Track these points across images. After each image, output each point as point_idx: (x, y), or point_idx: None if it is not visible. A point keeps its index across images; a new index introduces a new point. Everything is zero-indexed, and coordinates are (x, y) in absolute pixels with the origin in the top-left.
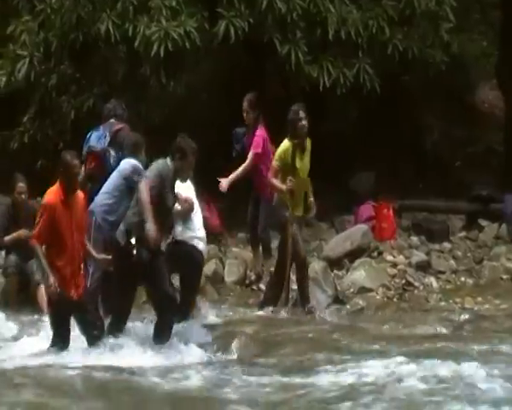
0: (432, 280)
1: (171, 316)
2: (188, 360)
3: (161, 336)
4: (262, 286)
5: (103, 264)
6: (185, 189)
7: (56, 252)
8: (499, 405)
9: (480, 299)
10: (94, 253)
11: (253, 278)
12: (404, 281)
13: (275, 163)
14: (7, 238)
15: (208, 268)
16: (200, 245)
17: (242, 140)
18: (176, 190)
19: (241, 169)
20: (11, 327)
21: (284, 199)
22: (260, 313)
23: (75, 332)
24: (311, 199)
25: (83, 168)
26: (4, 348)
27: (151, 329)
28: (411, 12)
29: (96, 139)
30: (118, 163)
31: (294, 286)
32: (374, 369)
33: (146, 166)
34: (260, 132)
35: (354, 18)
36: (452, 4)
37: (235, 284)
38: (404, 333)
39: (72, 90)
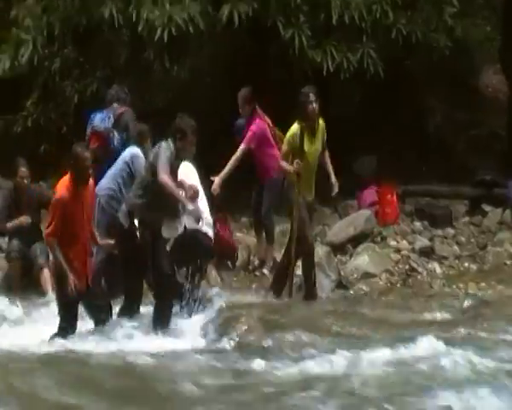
0: (435, 266)
1: (171, 298)
2: (187, 344)
3: (161, 319)
4: (265, 271)
5: (106, 248)
6: (189, 174)
7: (68, 244)
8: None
9: (483, 284)
10: (98, 239)
11: (256, 263)
12: (407, 266)
13: (284, 147)
14: (9, 225)
15: None
16: (210, 232)
17: (242, 131)
18: (180, 177)
19: (229, 165)
20: (15, 311)
21: (294, 183)
22: (263, 298)
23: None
24: (333, 180)
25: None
26: (8, 333)
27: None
28: None
29: (100, 120)
30: (121, 145)
31: (299, 272)
32: (347, 357)
33: None
34: (255, 126)
35: (358, 2)
36: None
37: (238, 268)
38: (405, 319)
39: (75, 74)
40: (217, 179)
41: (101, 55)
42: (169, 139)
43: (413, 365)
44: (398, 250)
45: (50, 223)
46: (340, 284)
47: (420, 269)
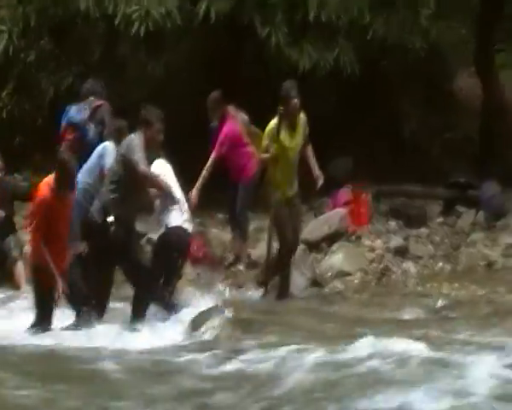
0: (409, 265)
1: (148, 293)
2: (162, 341)
3: (138, 314)
4: (240, 268)
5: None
6: (164, 171)
7: (50, 243)
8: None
9: (456, 285)
10: None
11: (231, 259)
12: (381, 266)
13: (264, 141)
14: None
15: None
16: (190, 228)
17: (214, 134)
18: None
19: (203, 174)
20: None
21: (274, 180)
22: (235, 295)
23: None
24: (317, 173)
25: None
26: None
27: (129, 310)
28: None
29: (76, 111)
30: (97, 138)
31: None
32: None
33: None
34: (225, 130)
35: (335, 1)
36: None
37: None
38: (377, 317)
39: (51, 67)
40: (194, 192)
41: (76, 49)
42: (137, 131)
43: (355, 365)
44: (372, 249)
45: (33, 220)
46: (315, 282)
47: (394, 268)
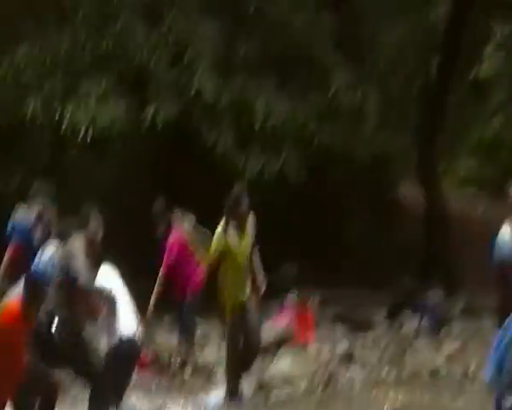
0: (356, 371)
1: (104, 392)
2: None
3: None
4: (187, 373)
5: None
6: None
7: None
8: None
9: (402, 391)
10: None
11: (177, 364)
12: (328, 371)
13: (213, 247)
14: None
15: None
16: (139, 335)
17: (160, 243)
18: (101, 281)
19: (154, 295)
20: None
21: (224, 285)
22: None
23: None
24: (260, 276)
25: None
26: None
27: None
28: (337, 107)
29: (22, 216)
30: (43, 242)
31: None
32: None
33: None
34: (171, 240)
35: (281, 109)
36: (376, 102)
37: (160, 369)
38: None
39: None
40: (148, 315)
41: (23, 153)
42: (79, 235)
43: None
44: (318, 355)
45: None
46: (262, 387)
47: (340, 374)
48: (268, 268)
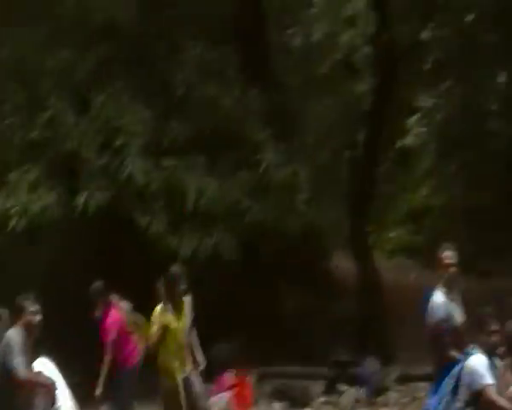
0: None
1: None
2: None
3: None
4: None
5: None
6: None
7: None
8: None
9: None
10: None
11: None
12: None
13: (153, 328)
14: None
15: None
16: None
17: (98, 324)
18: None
19: (104, 369)
20: None
21: (164, 365)
22: None
23: None
24: (200, 358)
25: None
26: None
27: None
28: (268, 182)
29: None
30: None
31: None
32: None
33: None
34: (110, 319)
35: (212, 189)
36: (307, 176)
37: None
38: None
39: None
40: (99, 389)
41: None
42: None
43: None
44: None
45: None
46: None
47: None
48: (204, 347)
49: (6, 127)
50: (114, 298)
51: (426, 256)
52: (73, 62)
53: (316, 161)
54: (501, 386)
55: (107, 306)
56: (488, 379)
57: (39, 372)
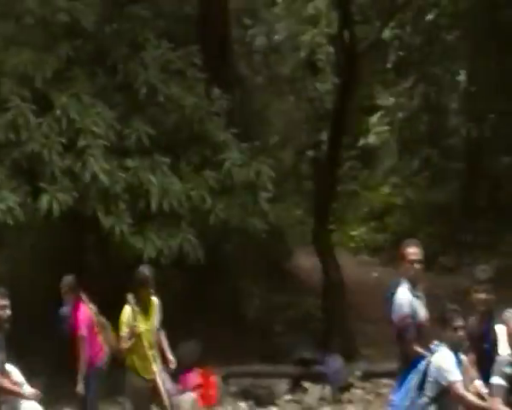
0: None
1: None
2: None
3: None
4: None
5: None
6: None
7: None
8: None
9: None
10: None
11: None
12: None
13: (122, 331)
14: None
15: None
16: None
17: (67, 320)
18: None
19: (81, 363)
20: None
21: (135, 366)
22: None
23: None
24: (171, 358)
25: None
26: None
27: None
28: (231, 182)
29: None
30: None
31: None
32: None
33: None
34: (81, 313)
35: (176, 189)
36: (270, 175)
37: None
38: None
39: None
40: (79, 388)
41: None
42: None
43: None
44: None
45: None
46: None
47: None
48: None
49: None
50: (84, 296)
51: (388, 254)
52: (35, 62)
53: (279, 161)
54: (465, 381)
55: (78, 301)
56: (456, 375)
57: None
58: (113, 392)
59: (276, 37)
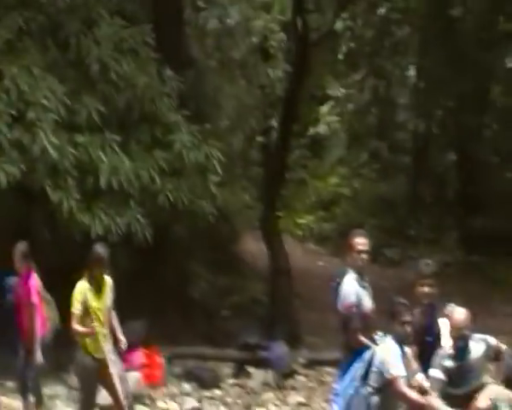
0: None
1: None
2: None
3: None
4: None
5: None
6: None
7: None
8: None
9: None
10: None
11: None
12: None
13: (74, 308)
14: None
15: None
16: None
17: (14, 290)
18: None
19: (35, 331)
20: None
21: (85, 344)
22: None
23: None
24: (121, 338)
25: None
26: None
27: None
28: (181, 164)
29: None
30: None
31: None
32: None
33: None
34: (33, 281)
35: (125, 168)
36: (220, 158)
37: None
38: None
39: None
40: (38, 357)
41: None
42: None
43: None
44: None
45: None
46: None
47: None
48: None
49: None
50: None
51: (335, 243)
52: None
53: (229, 145)
54: (408, 374)
55: (29, 269)
56: (399, 370)
57: None
58: (56, 369)
59: (229, 21)
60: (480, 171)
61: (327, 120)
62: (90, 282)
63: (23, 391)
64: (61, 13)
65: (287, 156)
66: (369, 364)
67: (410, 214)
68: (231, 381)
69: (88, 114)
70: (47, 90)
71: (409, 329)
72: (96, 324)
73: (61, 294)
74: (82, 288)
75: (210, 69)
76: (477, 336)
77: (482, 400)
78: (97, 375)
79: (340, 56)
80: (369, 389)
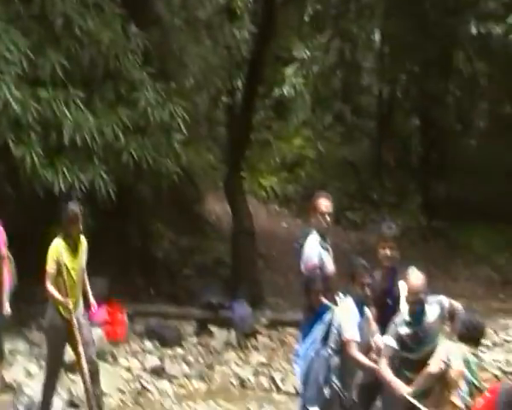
0: (166, 385)
1: None
2: None
3: None
4: None
5: None
6: None
7: None
8: None
9: (212, 403)
10: None
11: None
12: (138, 385)
13: (49, 267)
14: None
15: None
16: None
17: None
18: None
19: (4, 283)
20: None
21: (56, 303)
22: None
23: None
24: (92, 301)
25: None
26: None
27: None
28: (146, 122)
29: None
30: None
31: None
32: None
33: None
34: (1, 233)
35: (89, 124)
36: (184, 117)
37: None
38: None
39: None
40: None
41: None
42: None
43: None
44: (129, 369)
45: None
46: (72, 404)
47: (151, 388)
48: None
49: None
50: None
51: (298, 205)
52: None
53: (194, 104)
54: (368, 334)
55: None
56: (353, 334)
57: None
58: (18, 324)
59: None
60: (443, 137)
61: (292, 82)
62: (66, 241)
63: None
64: None
65: (251, 117)
66: (329, 325)
67: (374, 178)
68: (193, 340)
69: (52, 68)
70: (10, 43)
71: (368, 291)
72: (68, 283)
73: (25, 250)
74: (57, 246)
75: (175, 28)
76: (431, 298)
77: (433, 363)
78: (66, 333)
79: (306, 18)
80: (330, 351)
